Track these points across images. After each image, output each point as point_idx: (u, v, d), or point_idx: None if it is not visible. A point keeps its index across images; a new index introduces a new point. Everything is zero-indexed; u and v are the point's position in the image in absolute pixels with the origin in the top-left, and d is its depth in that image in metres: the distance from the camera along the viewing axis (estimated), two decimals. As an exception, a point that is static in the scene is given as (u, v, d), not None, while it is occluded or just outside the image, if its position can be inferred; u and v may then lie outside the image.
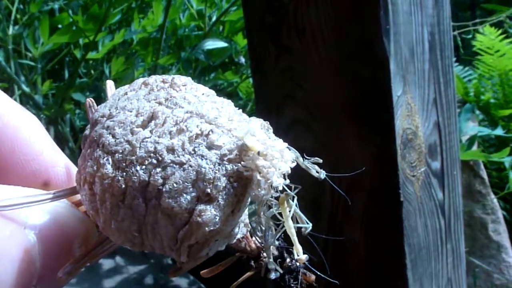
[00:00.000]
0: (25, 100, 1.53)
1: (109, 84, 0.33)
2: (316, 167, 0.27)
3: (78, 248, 0.27)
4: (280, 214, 0.27)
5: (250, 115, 0.29)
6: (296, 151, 0.26)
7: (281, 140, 0.26)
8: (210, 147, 0.24)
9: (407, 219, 0.71)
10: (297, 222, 0.27)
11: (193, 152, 0.24)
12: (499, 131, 1.72)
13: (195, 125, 0.25)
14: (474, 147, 1.42)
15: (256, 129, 0.25)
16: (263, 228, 0.27)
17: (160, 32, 1.46)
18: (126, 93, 0.28)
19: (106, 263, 1.35)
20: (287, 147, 0.26)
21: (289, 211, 0.26)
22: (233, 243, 0.28)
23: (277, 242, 0.28)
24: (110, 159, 0.24)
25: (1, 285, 0.23)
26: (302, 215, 0.27)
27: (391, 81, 0.67)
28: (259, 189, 0.24)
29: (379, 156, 0.70)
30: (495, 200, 1.56)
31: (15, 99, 0.32)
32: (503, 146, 1.44)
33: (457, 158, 0.84)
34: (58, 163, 0.30)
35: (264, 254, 0.29)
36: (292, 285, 0.29)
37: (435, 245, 0.78)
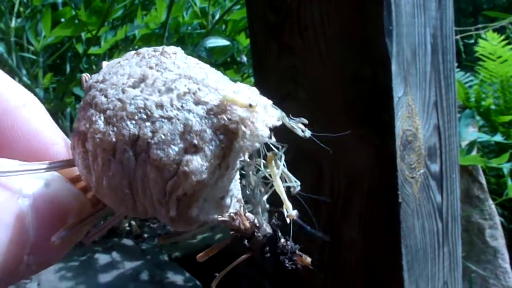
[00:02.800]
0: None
1: (105, 64, 0.34)
2: (301, 126, 0.28)
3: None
4: (270, 176, 0.28)
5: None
6: (282, 111, 0.27)
7: (265, 98, 0.27)
8: (197, 102, 0.25)
9: (404, 220, 0.71)
10: (286, 182, 0.28)
11: (181, 107, 0.25)
12: (498, 137, 1.72)
13: (183, 84, 0.26)
14: (474, 153, 1.42)
15: (242, 88, 0.26)
16: (252, 188, 0.27)
17: (162, 29, 1.46)
18: (119, 62, 0.29)
19: (102, 258, 1.35)
20: (273, 106, 0.27)
21: (277, 170, 0.27)
22: (227, 221, 0.28)
23: (265, 198, 0.28)
24: (102, 116, 0.26)
25: None
26: (290, 174, 0.28)
27: (392, 82, 0.67)
28: (244, 140, 0.25)
29: (378, 157, 0.70)
30: (493, 206, 1.56)
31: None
32: (503, 153, 1.44)
33: (456, 161, 0.84)
34: (58, 141, 0.31)
35: (259, 233, 0.29)
36: (287, 265, 0.29)
37: (432, 247, 0.78)
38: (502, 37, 2.05)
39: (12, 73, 1.43)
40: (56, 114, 1.53)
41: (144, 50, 0.29)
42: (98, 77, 0.28)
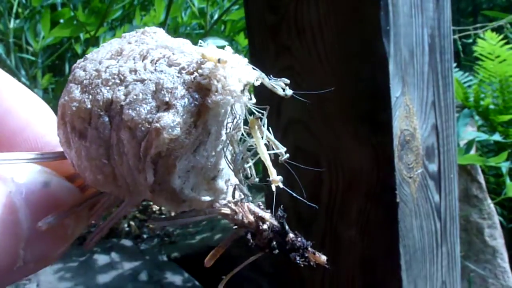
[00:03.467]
0: (25, 94, 1.52)
1: None
2: (282, 84, 0.27)
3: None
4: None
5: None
6: (260, 71, 0.27)
7: (241, 56, 0.26)
8: (170, 65, 0.25)
9: (402, 220, 0.71)
10: (273, 149, 0.27)
11: (154, 70, 0.25)
12: (497, 137, 1.72)
13: (158, 52, 0.26)
14: (472, 152, 1.42)
15: (215, 47, 0.26)
16: (235, 155, 0.27)
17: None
18: (103, 45, 0.30)
19: (101, 259, 1.35)
20: (251, 66, 0.26)
21: (262, 137, 0.26)
22: (228, 214, 0.28)
23: (249, 164, 0.27)
24: (79, 87, 0.26)
25: None
26: (276, 141, 0.27)
27: (390, 82, 0.67)
28: (216, 94, 0.24)
29: (376, 157, 0.70)
30: (491, 205, 1.56)
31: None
32: (502, 152, 1.44)
33: (454, 161, 0.84)
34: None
35: (264, 226, 0.28)
36: (299, 262, 0.28)
37: (430, 247, 0.78)
38: (501, 36, 2.05)
39: (11, 74, 1.43)
40: (55, 114, 1.53)
41: (127, 33, 0.30)
42: (80, 60, 0.29)
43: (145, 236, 1.62)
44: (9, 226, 0.25)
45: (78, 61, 0.29)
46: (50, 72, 1.70)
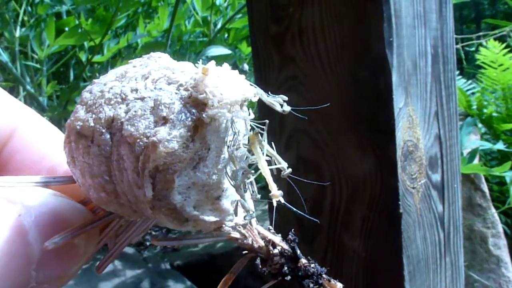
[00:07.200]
0: (30, 101, 1.54)
1: None
2: (280, 100, 0.28)
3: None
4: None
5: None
6: (259, 88, 0.27)
7: (237, 72, 0.27)
8: (170, 83, 0.26)
9: (406, 230, 0.71)
10: (275, 164, 0.27)
11: (154, 88, 0.26)
12: (500, 145, 1.72)
13: (160, 72, 0.27)
14: (476, 161, 1.42)
15: (214, 65, 0.26)
16: (235, 171, 0.27)
17: (165, 37, 1.47)
18: (111, 71, 0.30)
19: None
20: (248, 82, 0.27)
21: (262, 152, 0.27)
22: (238, 238, 0.28)
23: (249, 180, 0.27)
24: (84, 107, 0.27)
25: None
26: (277, 156, 0.27)
27: (393, 93, 0.67)
28: (212, 108, 0.25)
29: (379, 167, 0.70)
30: (495, 214, 1.56)
31: (19, 100, 0.35)
32: (505, 160, 1.44)
33: (458, 171, 0.84)
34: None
35: (275, 251, 0.28)
36: None
37: (434, 257, 0.78)
38: (503, 45, 2.05)
39: (16, 81, 1.44)
40: (60, 122, 1.54)
41: (134, 59, 0.30)
42: (89, 84, 0.30)
43: (147, 243, 1.62)
44: (19, 248, 0.25)
45: (88, 86, 0.30)
46: (54, 79, 1.71)
